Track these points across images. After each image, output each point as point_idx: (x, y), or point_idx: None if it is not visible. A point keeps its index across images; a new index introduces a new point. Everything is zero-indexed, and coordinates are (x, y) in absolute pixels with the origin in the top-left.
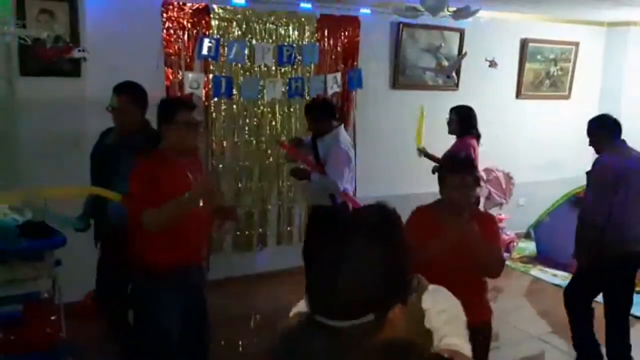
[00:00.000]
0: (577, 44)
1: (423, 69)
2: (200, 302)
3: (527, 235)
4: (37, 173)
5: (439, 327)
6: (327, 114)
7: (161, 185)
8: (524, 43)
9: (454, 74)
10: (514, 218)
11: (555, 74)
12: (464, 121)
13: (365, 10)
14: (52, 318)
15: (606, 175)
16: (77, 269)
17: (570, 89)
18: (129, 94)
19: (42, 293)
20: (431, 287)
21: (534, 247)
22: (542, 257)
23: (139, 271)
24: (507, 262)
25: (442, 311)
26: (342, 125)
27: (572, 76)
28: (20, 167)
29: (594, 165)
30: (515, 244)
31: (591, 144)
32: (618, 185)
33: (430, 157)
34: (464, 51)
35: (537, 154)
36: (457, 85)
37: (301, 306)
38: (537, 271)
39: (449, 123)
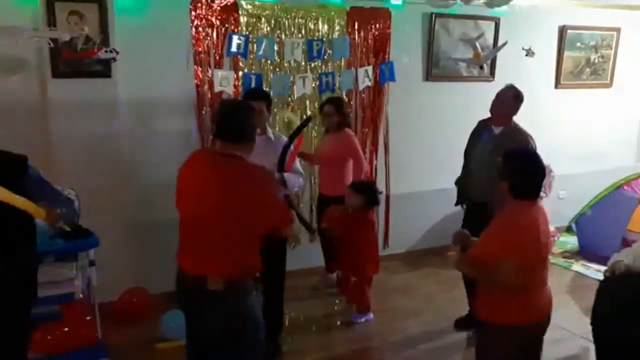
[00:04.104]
0: (618, 30)
1: (457, 60)
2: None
3: (568, 230)
4: (70, 174)
5: None
6: None
7: None
8: (562, 30)
9: (485, 64)
10: (555, 212)
11: (596, 61)
12: (345, 114)
13: (396, 1)
14: (87, 318)
15: None
16: (111, 269)
17: (612, 76)
18: None
19: (77, 294)
20: None
21: (576, 241)
22: (585, 252)
23: None
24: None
25: None
26: None
27: (614, 63)
28: (52, 168)
29: None
30: (556, 238)
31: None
32: None
33: (303, 155)
34: (503, 40)
35: (577, 145)
36: (492, 75)
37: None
38: (580, 266)
39: (330, 116)
